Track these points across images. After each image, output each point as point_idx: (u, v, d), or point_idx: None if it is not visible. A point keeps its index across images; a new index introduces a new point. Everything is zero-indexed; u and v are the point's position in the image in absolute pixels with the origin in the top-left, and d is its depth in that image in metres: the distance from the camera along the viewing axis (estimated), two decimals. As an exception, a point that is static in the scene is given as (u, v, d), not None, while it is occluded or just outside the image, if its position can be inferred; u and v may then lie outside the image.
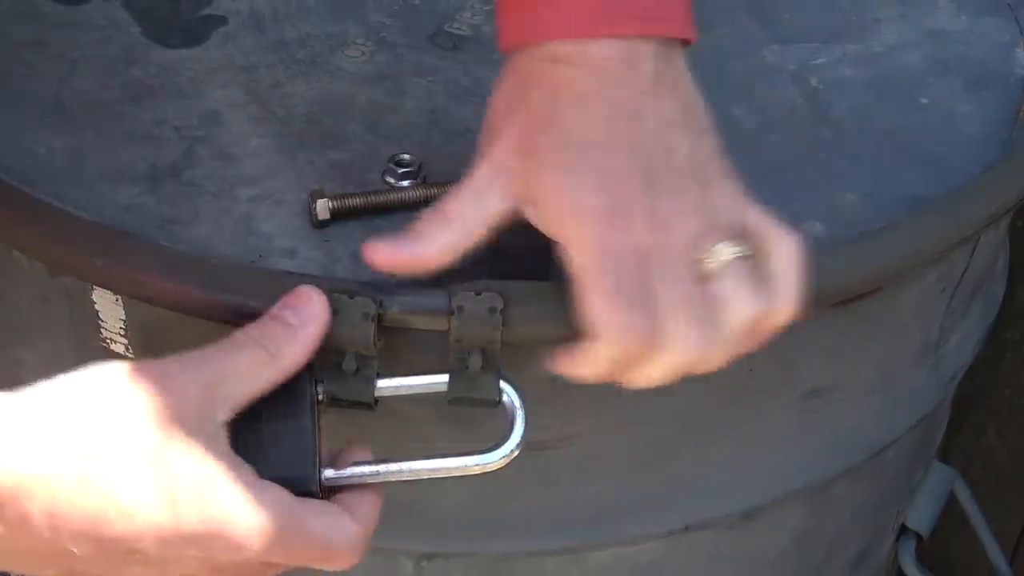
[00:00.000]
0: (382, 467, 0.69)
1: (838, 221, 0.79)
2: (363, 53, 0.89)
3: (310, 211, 0.75)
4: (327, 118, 0.83)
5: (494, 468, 0.69)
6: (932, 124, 0.87)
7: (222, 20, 0.91)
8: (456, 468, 0.69)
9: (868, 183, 0.82)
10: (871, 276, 0.77)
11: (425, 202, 0.77)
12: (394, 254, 0.70)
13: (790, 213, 0.78)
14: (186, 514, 0.61)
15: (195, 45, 0.88)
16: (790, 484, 0.84)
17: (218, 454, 0.62)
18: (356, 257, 0.74)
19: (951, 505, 1.06)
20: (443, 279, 0.71)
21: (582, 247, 0.67)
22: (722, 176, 0.69)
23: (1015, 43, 0.95)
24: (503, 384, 0.70)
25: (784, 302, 0.69)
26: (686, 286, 0.67)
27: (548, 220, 0.68)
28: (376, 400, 0.70)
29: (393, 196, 0.77)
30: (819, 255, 0.75)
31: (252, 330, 0.66)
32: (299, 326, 0.67)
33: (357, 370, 0.69)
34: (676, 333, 0.66)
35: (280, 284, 0.69)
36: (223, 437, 0.64)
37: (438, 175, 0.79)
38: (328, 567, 0.67)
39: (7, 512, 0.58)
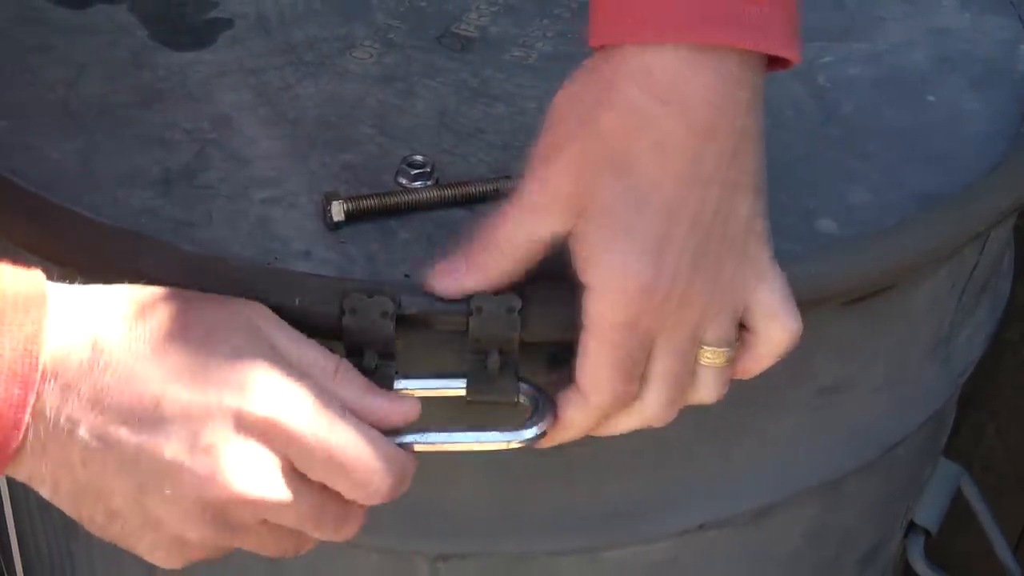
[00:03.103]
0: (409, 437, 0.68)
1: (850, 219, 0.79)
2: (371, 55, 0.89)
3: (324, 213, 0.75)
4: (338, 120, 0.83)
5: (517, 446, 0.69)
6: (939, 122, 0.88)
7: (228, 23, 0.91)
8: (481, 442, 0.69)
9: (878, 181, 0.83)
10: (884, 273, 0.77)
11: (438, 203, 0.77)
12: (451, 285, 0.68)
13: (802, 211, 0.79)
14: (216, 368, 0.61)
15: (202, 48, 0.88)
16: (803, 482, 0.84)
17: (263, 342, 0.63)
18: (371, 258, 0.74)
19: (954, 502, 1.06)
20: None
21: (607, 316, 0.65)
22: (760, 245, 0.67)
23: (1019, 40, 0.95)
24: (523, 386, 0.70)
25: (738, 376, 0.71)
26: (684, 362, 0.67)
27: (585, 268, 0.65)
28: None
29: (407, 197, 0.77)
30: (833, 252, 0.76)
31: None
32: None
33: (376, 368, 0.69)
34: (654, 404, 0.68)
35: (296, 284, 0.69)
36: None
37: (450, 176, 0.79)
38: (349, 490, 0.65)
39: (47, 387, 0.59)
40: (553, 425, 0.69)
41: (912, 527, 1.03)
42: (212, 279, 0.70)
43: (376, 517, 0.77)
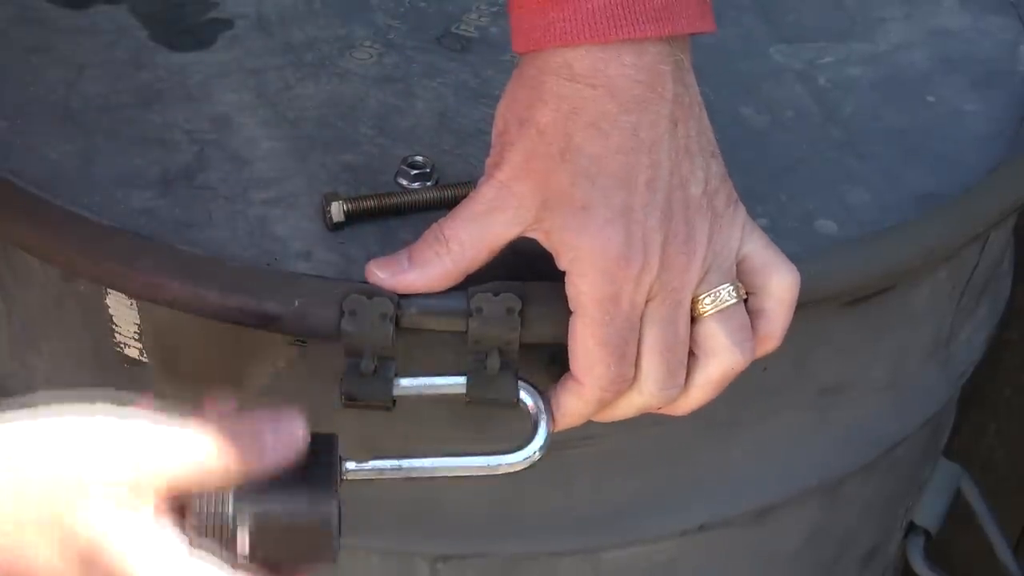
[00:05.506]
0: (404, 462, 0.69)
1: (850, 219, 0.79)
2: (371, 55, 0.88)
3: (324, 214, 0.75)
4: (338, 120, 0.83)
5: (516, 470, 0.69)
6: (939, 122, 0.88)
7: (228, 24, 0.90)
8: (477, 468, 0.69)
9: (878, 181, 0.83)
10: (884, 273, 0.77)
11: (438, 203, 0.77)
12: (389, 281, 0.69)
13: (802, 212, 0.79)
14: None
15: (202, 48, 0.88)
16: (804, 482, 0.84)
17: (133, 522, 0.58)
18: (372, 259, 0.74)
19: (954, 502, 1.06)
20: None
21: (586, 294, 0.66)
22: (729, 204, 0.68)
23: (1019, 41, 0.95)
24: (526, 388, 0.70)
25: (764, 346, 0.70)
26: (675, 331, 0.67)
27: (559, 255, 0.67)
28: (394, 401, 0.70)
29: (407, 198, 0.77)
30: (833, 253, 0.76)
31: (226, 429, 0.60)
32: (270, 448, 0.61)
33: (375, 371, 0.69)
34: (651, 380, 0.68)
35: (295, 286, 0.69)
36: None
37: (450, 176, 0.79)
38: None
39: None
40: (551, 423, 0.70)
41: (912, 527, 1.03)
42: (210, 280, 0.70)
43: (376, 518, 0.77)
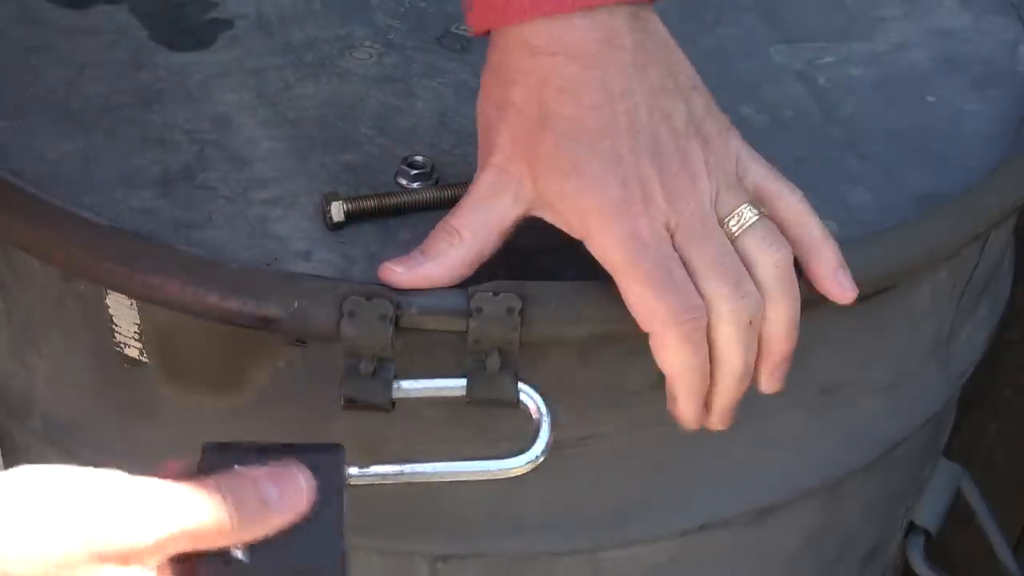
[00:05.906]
0: (406, 467, 0.69)
1: (851, 219, 0.79)
2: (371, 55, 0.89)
3: (324, 213, 0.75)
4: (338, 120, 0.83)
5: (518, 473, 0.69)
6: (940, 122, 0.88)
7: (228, 24, 0.90)
8: (480, 472, 0.69)
9: (878, 181, 0.83)
10: (884, 273, 0.77)
11: (438, 203, 0.77)
12: (407, 275, 0.70)
13: (802, 211, 0.79)
14: None
15: (202, 48, 0.88)
16: (804, 482, 0.84)
17: None
18: (372, 259, 0.74)
19: (954, 502, 1.06)
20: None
21: (607, 244, 0.67)
22: (721, 130, 0.70)
23: (1019, 41, 0.95)
24: (528, 389, 0.70)
25: (814, 241, 0.71)
26: (714, 243, 0.68)
27: (567, 221, 0.68)
28: (393, 403, 0.70)
29: (406, 198, 0.77)
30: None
31: (229, 490, 0.59)
32: (274, 510, 0.60)
33: (374, 372, 0.69)
34: (722, 293, 0.67)
35: (295, 287, 0.69)
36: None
37: (450, 176, 0.79)
38: None
39: None
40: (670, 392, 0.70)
41: (912, 527, 1.03)
42: (210, 281, 0.70)
43: (376, 518, 0.77)
